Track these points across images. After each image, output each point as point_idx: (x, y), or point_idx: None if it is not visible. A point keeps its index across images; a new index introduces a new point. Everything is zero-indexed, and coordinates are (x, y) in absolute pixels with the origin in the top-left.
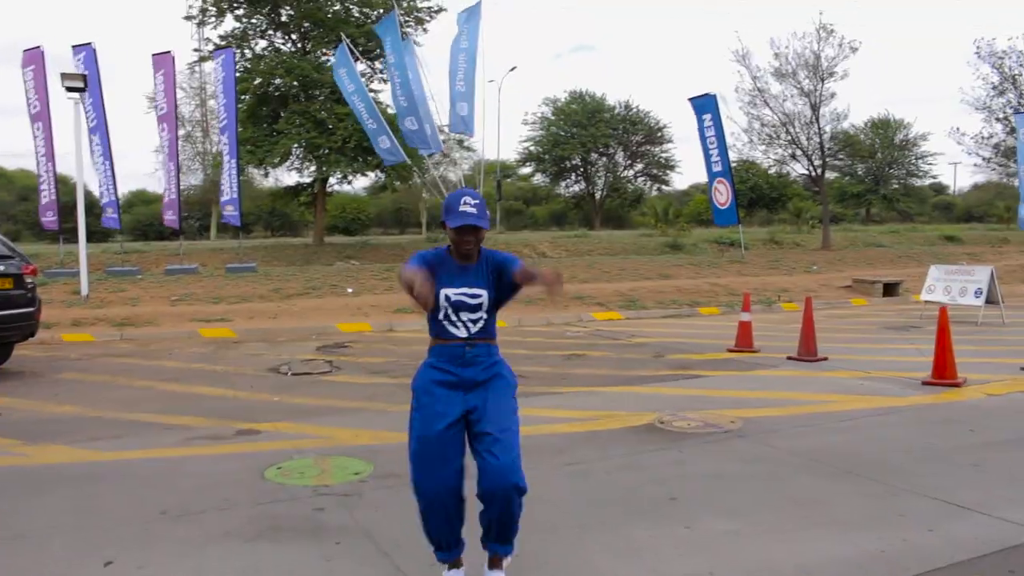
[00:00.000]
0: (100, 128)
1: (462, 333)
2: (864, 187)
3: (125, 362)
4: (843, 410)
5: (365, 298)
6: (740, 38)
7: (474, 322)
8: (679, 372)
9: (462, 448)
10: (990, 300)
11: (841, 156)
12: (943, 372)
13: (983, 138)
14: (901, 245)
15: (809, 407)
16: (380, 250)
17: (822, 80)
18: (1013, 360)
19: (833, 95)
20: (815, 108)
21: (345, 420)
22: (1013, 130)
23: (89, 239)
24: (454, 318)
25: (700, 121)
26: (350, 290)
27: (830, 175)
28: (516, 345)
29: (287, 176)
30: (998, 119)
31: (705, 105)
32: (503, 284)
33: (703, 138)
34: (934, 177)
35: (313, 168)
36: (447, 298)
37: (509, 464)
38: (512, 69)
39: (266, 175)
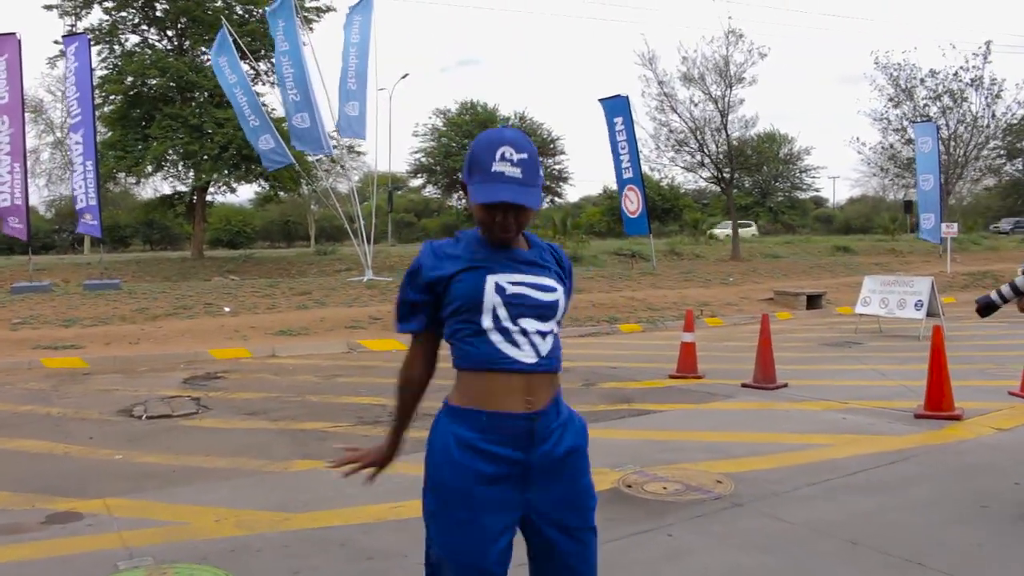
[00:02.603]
0: None
1: (529, 358)
2: (752, 199)
3: None
4: (842, 457)
5: (244, 318)
6: (647, 41)
7: (543, 336)
8: (621, 407)
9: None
10: (930, 313)
11: (752, 162)
12: (939, 403)
13: (882, 148)
14: (797, 255)
15: (800, 454)
16: (264, 264)
17: (730, 86)
18: (993, 383)
19: (742, 101)
20: (724, 114)
21: (206, 492)
22: (910, 141)
23: None
24: (513, 328)
25: (611, 125)
26: (227, 309)
27: (717, 188)
28: None
29: (166, 185)
30: (895, 130)
31: (616, 107)
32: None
33: (614, 143)
34: (817, 190)
35: (192, 175)
36: (499, 289)
37: None
38: (404, 76)
39: (137, 183)
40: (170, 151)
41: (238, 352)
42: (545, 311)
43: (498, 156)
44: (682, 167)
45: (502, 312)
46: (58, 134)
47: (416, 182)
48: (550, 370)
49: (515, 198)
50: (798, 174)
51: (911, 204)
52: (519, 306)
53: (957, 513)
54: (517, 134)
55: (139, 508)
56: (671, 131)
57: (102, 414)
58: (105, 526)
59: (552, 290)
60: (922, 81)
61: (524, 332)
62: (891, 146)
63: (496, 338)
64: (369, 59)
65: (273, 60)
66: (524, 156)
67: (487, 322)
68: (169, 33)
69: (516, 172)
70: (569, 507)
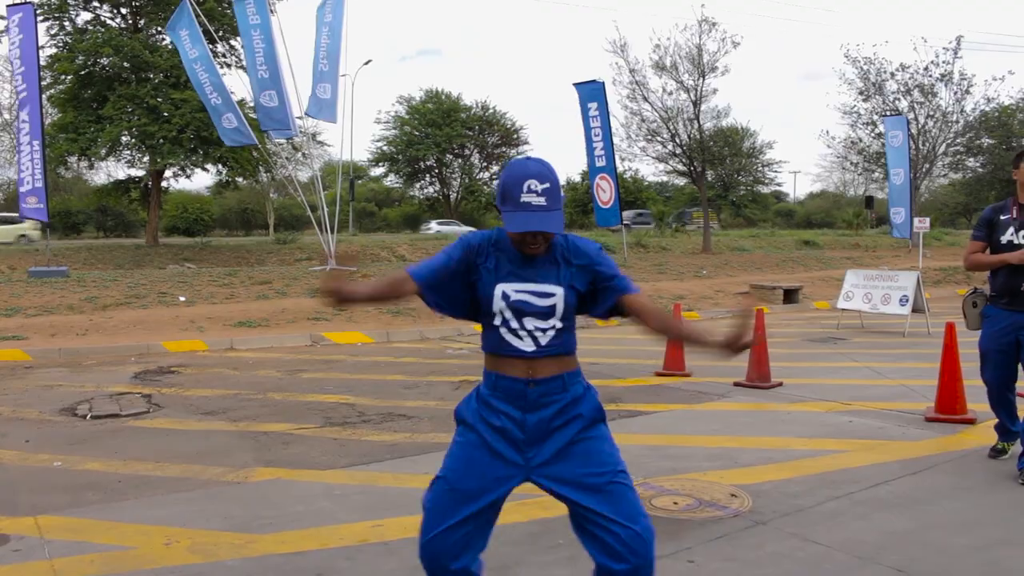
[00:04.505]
0: None
1: (528, 347)
2: (714, 192)
3: None
4: (861, 466)
5: (200, 308)
6: (618, 27)
7: (543, 331)
8: (610, 407)
9: (485, 536)
10: (915, 308)
11: (724, 153)
12: (952, 405)
13: (851, 142)
14: (765, 249)
15: (813, 462)
16: (222, 252)
17: (703, 75)
18: None
19: (715, 91)
20: (696, 104)
21: (155, 506)
22: (880, 135)
23: None
24: (515, 325)
25: (585, 110)
26: (182, 298)
27: (680, 181)
28: (389, 368)
29: (120, 170)
30: (865, 123)
31: (591, 93)
32: (596, 292)
33: (587, 129)
34: (779, 185)
35: (146, 160)
36: (505, 296)
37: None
38: (367, 63)
39: (91, 166)
40: (125, 133)
41: (194, 344)
42: (546, 313)
43: (525, 188)
44: (653, 157)
45: (508, 313)
46: (6, 116)
47: (377, 171)
48: (551, 353)
49: (540, 226)
50: (760, 168)
51: (871, 200)
52: (519, 308)
53: (1006, 534)
54: (541, 165)
55: (76, 528)
56: (643, 120)
57: (42, 413)
58: (34, 552)
59: (549, 295)
60: (892, 75)
61: (525, 328)
62: (860, 139)
63: (504, 330)
64: (342, 40)
65: (232, 42)
66: (547, 185)
67: (496, 319)
68: (123, 11)
69: (541, 201)
70: (566, 461)
